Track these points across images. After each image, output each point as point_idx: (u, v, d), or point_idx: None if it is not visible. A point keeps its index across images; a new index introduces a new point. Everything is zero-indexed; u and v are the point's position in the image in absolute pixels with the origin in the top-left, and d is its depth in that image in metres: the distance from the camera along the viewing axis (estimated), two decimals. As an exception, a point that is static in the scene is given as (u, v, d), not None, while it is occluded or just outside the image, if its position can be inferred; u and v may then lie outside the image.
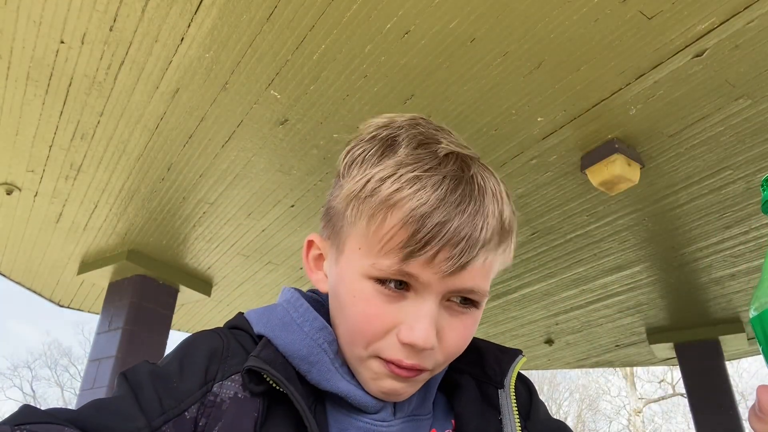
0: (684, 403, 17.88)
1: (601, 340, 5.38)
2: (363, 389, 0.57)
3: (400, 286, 0.54)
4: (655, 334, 5.02)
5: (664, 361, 5.65)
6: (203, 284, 4.23)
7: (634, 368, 18.43)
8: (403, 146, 0.58)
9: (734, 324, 4.64)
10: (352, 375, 0.59)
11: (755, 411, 0.44)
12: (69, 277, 4.31)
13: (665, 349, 5.11)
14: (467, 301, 0.56)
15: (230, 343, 0.57)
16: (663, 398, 19.23)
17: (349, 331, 0.57)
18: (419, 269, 0.52)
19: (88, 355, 3.85)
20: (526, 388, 0.67)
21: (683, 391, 6.12)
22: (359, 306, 0.55)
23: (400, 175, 0.55)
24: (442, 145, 0.57)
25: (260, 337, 0.59)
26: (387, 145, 0.59)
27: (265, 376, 0.53)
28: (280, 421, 0.53)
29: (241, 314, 0.63)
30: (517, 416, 0.60)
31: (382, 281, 0.54)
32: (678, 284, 4.12)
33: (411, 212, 0.52)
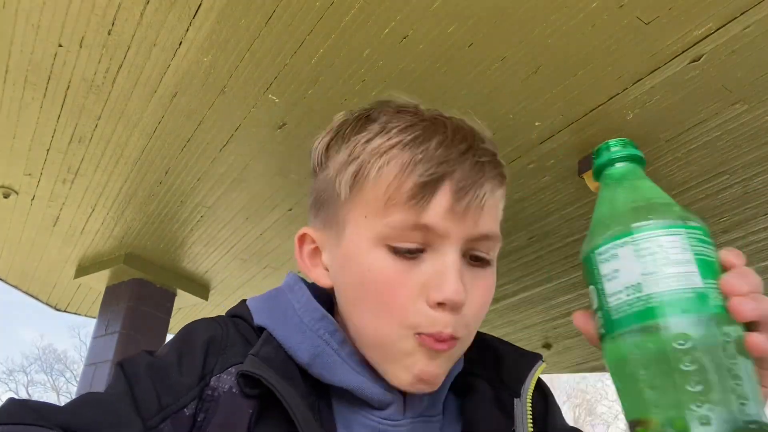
0: (682, 408, 17.81)
1: (598, 344, 5.37)
2: (371, 380, 0.53)
3: (415, 252, 0.50)
4: (652, 339, 5.02)
5: (661, 366, 5.64)
6: (201, 288, 4.22)
7: (632, 372, 18.35)
8: (382, 114, 0.56)
9: (731, 328, 4.64)
10: (362, 366, 0.54)
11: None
12: (66, 280, 4.29)
13: (663, 354, 5.11)
14: (479, 259, 0.53)
15: (229, 333, 0.55)
16: (661, 402, 19.22)
17: (373, 312, 0.51)
18: (435, 217, 0.49)
19: (83, 359, 3.84)
20: (542, 394, 0.62)
21: (681, 395, 6.07)
22: (378, 279, 0.50)
23: (389, 129, 0.53)
24: (420, 107, 0.58)
25: (261, 328, 0.56)
26: (364, 116, 0.57)
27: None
28: (277, 417, 0.49)
29: (243, 302, 0.61)
30: (531, 428, 0.56)
31: (396, 250, 0.50)
32: (675, 288, 4.11)
33: (412, 157, 0.50)
